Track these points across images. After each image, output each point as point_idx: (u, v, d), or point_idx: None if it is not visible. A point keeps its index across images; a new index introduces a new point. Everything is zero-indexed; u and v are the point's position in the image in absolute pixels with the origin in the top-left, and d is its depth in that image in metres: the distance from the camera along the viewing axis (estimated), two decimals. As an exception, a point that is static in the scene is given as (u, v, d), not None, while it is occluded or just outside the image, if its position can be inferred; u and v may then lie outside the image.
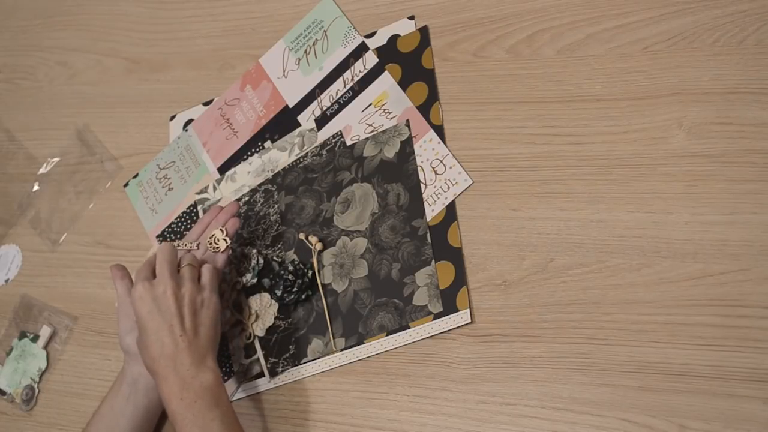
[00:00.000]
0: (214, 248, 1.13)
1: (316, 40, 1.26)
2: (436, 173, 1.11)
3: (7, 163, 1.45)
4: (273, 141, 1.24)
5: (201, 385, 1.01)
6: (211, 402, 1.01)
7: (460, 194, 1.09)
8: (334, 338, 1.11)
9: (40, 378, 1.29)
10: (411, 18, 1.20)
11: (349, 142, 1.18)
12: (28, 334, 1.31)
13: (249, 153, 1.26)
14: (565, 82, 1.08)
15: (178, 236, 1.26)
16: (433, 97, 1.15)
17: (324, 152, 1.20)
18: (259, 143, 1.25)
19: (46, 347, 1.30)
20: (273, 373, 1.13)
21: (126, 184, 1.35)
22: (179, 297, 1.06)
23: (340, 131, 1.20)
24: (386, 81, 1.19)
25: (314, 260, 1.14)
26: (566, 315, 1.00)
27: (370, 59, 1.21)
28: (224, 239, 1.13)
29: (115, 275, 1.17)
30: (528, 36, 1.12)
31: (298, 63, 1.26)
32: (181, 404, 1.01)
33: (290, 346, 1.13)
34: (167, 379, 1.02)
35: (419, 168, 1.12)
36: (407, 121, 1.15)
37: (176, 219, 1.28)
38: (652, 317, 0.96)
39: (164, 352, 1.03)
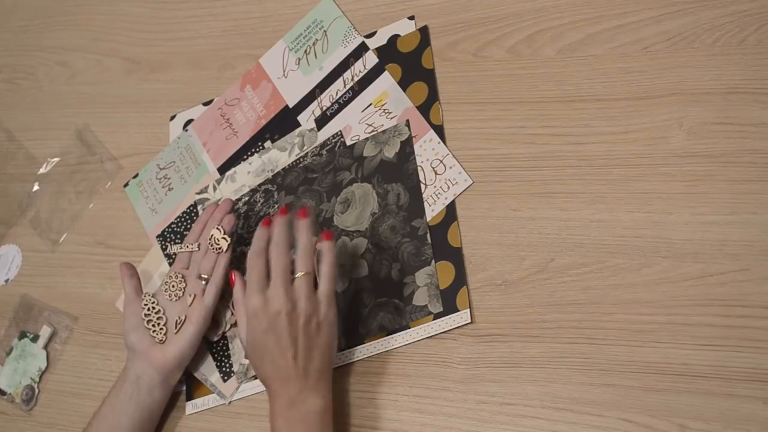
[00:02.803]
0: (216, 249, 1.13)
1: (316, 40, 1.26)
2: (436, 173, 1.11)
3: (7, 163, 1.45)
4: (273, 141, 1.24)
5: (308, 410, 1.00)
6: (315, 427, 0.99)
7: (460, 194, 1.09)
8: (334, 338, 1.11)
9: (40, 378, 1.29)
10: (411, 18, 1.20)
11: (349, 142, 1.18)
12: (28, 334, 1.31)
13: (249, 153, 1.26)
14: (565, 82, 1.08)
15: (178, 236, 1.26)
16: (433, 97, 1.15)
17: (324, 152, 1.20)
18: (259, 143, 1.25)
19: (46, 347, 1.30)
20: (273, 373, 1.13)
21: (126, 184, 1.35)
22: (294, 319, 1.00)
23: (340, 131, 1.20)
24: (386, 81, 1.19)
25: (314, 260, 1.14)
26: (566, 315, 1.00)
27: (370, 59, 1.21)
28: (224, 238, 1.13)
29: (124, 274, 1.17)
30: (528, 36, 1.12)
31: (298, 63, 1.26)
32: (285, 423, 0.99)
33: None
34: (278, 397, 1.00)
35: (419, 168, 1.12)
36: (407, 121, 1.15)
37: (176, 219, 1.28)
38: (652, 317, 0.96)
39: (278, 373, 1.01)
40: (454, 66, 1.15)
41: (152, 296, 1.15)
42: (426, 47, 1.17)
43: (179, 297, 1.14)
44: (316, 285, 1.04)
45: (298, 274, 1.03)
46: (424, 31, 1.19)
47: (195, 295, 1.13)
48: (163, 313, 1.13)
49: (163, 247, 1.26)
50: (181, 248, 1.16)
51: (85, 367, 1.27)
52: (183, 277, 1.15)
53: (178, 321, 1.13)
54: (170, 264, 1.25)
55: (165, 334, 1.12)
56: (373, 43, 1.22)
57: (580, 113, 1.06)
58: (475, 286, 1.05)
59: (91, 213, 1.37)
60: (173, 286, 1.14)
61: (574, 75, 1.08)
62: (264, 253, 1.05)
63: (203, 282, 1.13)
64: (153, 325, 1.13)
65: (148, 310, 1.14)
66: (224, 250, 1.13)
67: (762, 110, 0.98)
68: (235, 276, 1.08)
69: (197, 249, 1.15)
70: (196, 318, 1.12)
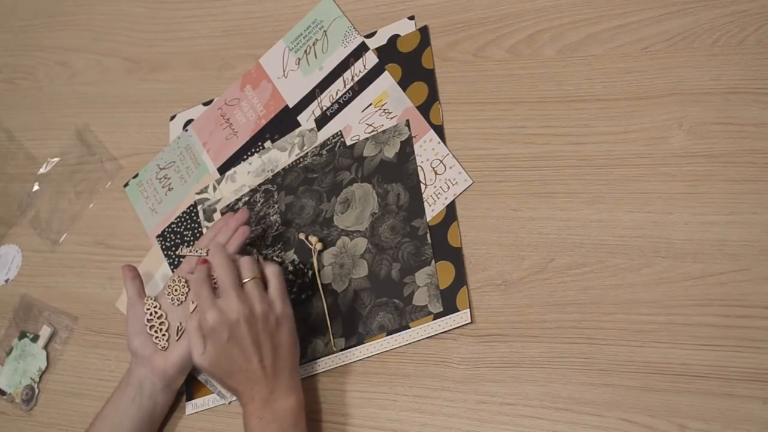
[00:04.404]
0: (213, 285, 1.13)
1: (316, 40, 1.26)
2: (436, 173, 1.11)
3: (7, 163, 1.45)
4: (273, 141, 1.24)
5: (281, 408, 1.01)
6: (289, 425, 1.00)
7: (460, 194, 1.09)
8: (334, 338, 1.11)
9: (40, 378, 1.29)
10: (411, 18, 1.20)
11: (349, 142, 1.18)
12: (28, 334, 1.31)
13: (249, 153, 1.26)
14: (565, 82, 1.08)
15: (178, 236, 1.26)
16: (433, 97, 1.15)
17: (324, 152, 1.20)
18: (259, 143, 1.25)
19: (46, 347, 1.30)
20: (273, 373, 1.13)
21: (126, 184, 1.35)
22: (253, 323, 1.01)
23: (340, 131, 1.20)
24: (386, 81, 1.19)
25: (314, 260, 1.14)
26: (566, 315, 1.00)
27: (370, 59, 1.21)
28: None
29: (126, 276, 1.17)
30: (528, 36, 1.12)
31: (298, 63, 1.26)
32: (260, 423, 1.00)
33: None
34: (250, 400, 1.01)
35: (419, 168, 1.12)
36: (407, 121, 1.15)
37: (176, 219, 1.28)
38: (652, 317, 0.96)
39: (247, 377, 1.02)
40: (454, 66, 1.15)
41: (155, 300, 1.14)
42: (426, 47, 1.17)
43: (182, 301, 1.14)
44: (266, 287, 1.05)
45: (246, 280, 1.04)
46: (424, 31, 1.19)
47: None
48: (166, 318, 1.13)
49: (174, 247, 1.26)
50: (190, 251, 1.16)
51: (85, 367, 1.27)
52: (186, 281, 1.14)
53: (179, 327, 1.12)
54: (170, 264, 1.25)
55: (167, 341, 1.12)
56: (373, 43, 1.22)
57: (580, 113, 1.06)
58: (475, 286, 1.05)
59: (91, 213, 1.37)
60: (176, 290, 1.14)
61: (574, 75, 1.08)
62: (207, 278, 1.06)
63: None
64: (155, 331, 1.13)
65: (151, 315, 1.13)
66: None
67: (762, 110, 0.98)
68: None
69: (206, 254, 1.15)
70: None
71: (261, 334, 1.02)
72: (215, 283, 1.06)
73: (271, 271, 1.06)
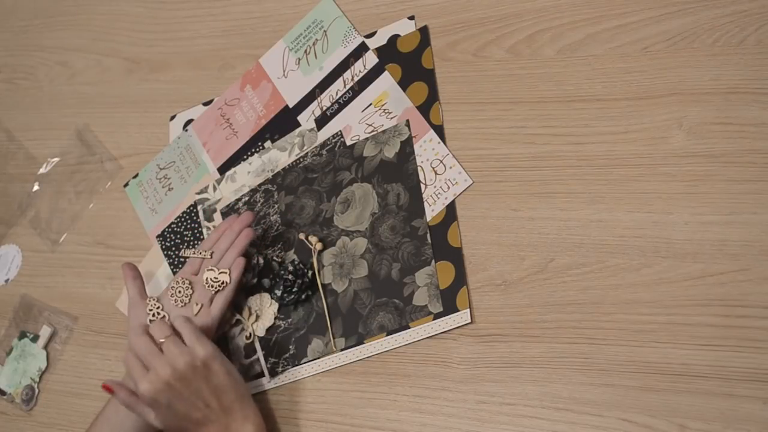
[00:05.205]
0: (216, 287, 1.13)
1: (316, 40, 1.26)
2: (436, 173, 1.11)
3: (7, 163, 1.45)
4: (273, 141, 1.24)
5: None
6: None
7: (460, 194, 1.09)
8: (334, 338, 1.11)
9: (40, 378, 1.29)
10: (411, 18, 1.20)
11: (349, 142, 1.18)
12: (28, 334, 1.31)
13: (249, 153, 1.26)
14: (565, 82, 1.08)
15: (178, 236, 1.26)
16: (433, 97, 1.15)
17: (324, 152, 1.20)
18: (259, 143, 1.25)
19: (46, 347, 1.30)
20: (273, 373, 1.13)
21: (126, 184, 1.35)
22: (183, 378, 1.03)
23: (340, 131, 1.20)
24: (386, 81, 1.19)
25: (314, 260, 1.14)
26: (566, 315, 1.00)
27: (370, 59, 1.21)
28: (222, 273, 1.13)
29: (127, 275, 1.17)
30: (528, 36, 1.12)
31: (298, 63, 1.26)
32: None
33: (290, 346, 1.13)
34: None
35: (419, 168, 1.12)
36: (407, 121, 1.15)
37: (176, 219, 1.28)
38: (652, 317, 0.96)
39: (199, 423, 1.04)
40: (454, 66, 1.15)
41: (157, 300, 1.14)
42: (426, 47, 1.17)
43: (185, 303, 1.13)
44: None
45: (161, 341, 1.06)
46: (424, 31, 1.19)
47: (202, 305, 1.13)
48: (168, 319, 1.13)
49: (174, 247, 1.26)
50: (194, 253, 1.15)
51: (85, 367, 1.27)
52: (191, 283, 1.14)
53: None
54: (170, 264, 1.25)
55: None
56: (373, 43, 1.22)
57: (580, 113, 1.06)
58: (475, 286, 1.05)
59: (91, 213, 1.37)
60: (180, 292, 1.14)
61: (574, 75, 1.08)
62: (130, 355, 1.07)
63: (212, 291, 1.13)
64: None
65: (153, 315, 1.13)
66: (228, 283, 1.13)
67: (762, 110, 0.98)
68: (110, 384, 1.08)
69: (209, 257, 1.15)
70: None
71: (195, 383, 1.03)
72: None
73: (178, 323, 1.08)
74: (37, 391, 1.29)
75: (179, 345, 1.05)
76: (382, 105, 1.18)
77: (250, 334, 1.16)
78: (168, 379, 1.03)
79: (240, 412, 1.04)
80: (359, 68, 1.21)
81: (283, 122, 1.25)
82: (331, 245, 1.15)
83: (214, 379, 1.04)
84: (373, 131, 1.17)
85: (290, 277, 1.13)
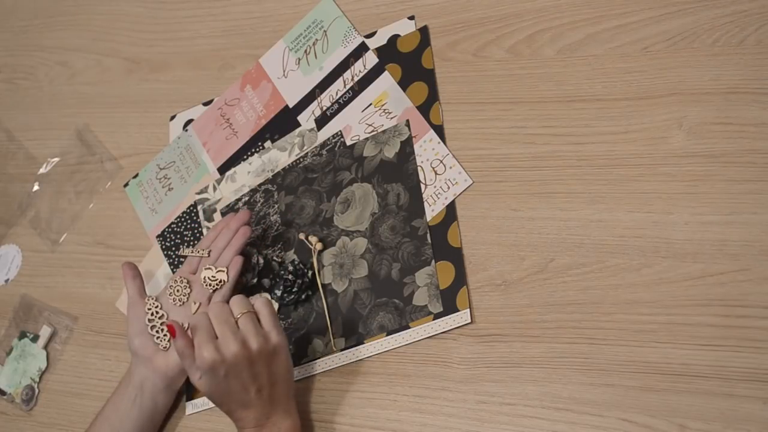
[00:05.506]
0: (214, 286, 1.13)
1: (316, 40, 1.26)
2: (436, 173, 1.11)
3: (7, 163, 1.45)
4: (273, 141, 1.24)
5: (278, 429, 1.02)
6: None
7: (460, 194, 1.09)
8: (334, 338, 1.11)
9: (40, 378, 1.29)
10: (411, 18, 1.20)
11: (349, 142, 1.18)
12: (28, 334, 1.31)
13: (249, 153, 1.26)
14: (565, 82, 1.08)
15: (178, 236, 1.26)
16: (433, 97, 1.15)
17: (324, 152, 1.20)
18: (259, 143, 1.25)
19: (46, 347, 1.30)
20: (273, 373, 1.13)
21: (126, 184, 1.35)
22: (250, 359, 1.00)
23: (340, 131, 1.20)
24: (386, 81, 1.19)
25: (314, 260, 1.14)
26: (566, 315, 1.00)
27: (370, 59, 1.21)
28: (220, 271, 1.13)
29: (126, 274, 1.17)
30: (528, 36, 1.12)
31: (298, 63, 1.26)
32: None
33: (290, 346, 1.13)
34: (246, 424, 1.02)
35: (419, 168, 1.12)
36: (407, 121, 1.15)
37: (176, 219, 1.28)
38: (652, 317, 0.96)
39: (243, 405, 1.02)
40: (454, 66, 1.15)
41: (156, 299, 1.14)
42: (426, 47, 1.17)
43: (183, 302, 1.14)
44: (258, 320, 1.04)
45: (238, 315, 1.03)
46: (424, 31, 1.19)
47: (200, 304, 1.13)
48: (167, 318, 1.13)
49: (174, 247, 1.26)
50: (192, 252, 1.16)
51: (85, 367, 1.27)
52: (188, 282, 1.14)
53: None
54: (170, 264, 1.25)
55: (168, 341, 1.12)
56: (373, 43, 1.22)
57: (580, 113, 1.06)
58: (475, 286, 1.05)
59: (91, 213, 1.37)
60: (178, 291, 1.14)
61: (574, 75, 1.08)
62: (204, 317, 1.03)
63: (210, 289, 1.13)
64: (157, 331, 1.13)
65: (152, 315, 1.13)
66: (225, 281, 1.13)
67: (762, 110, 0.98)
68: (176, 327, 1.04)
69: (207, 255, 1.15)
70: None
71: (258, 366, 1.01)
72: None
73: (260, 303, 1.05)
74: (37, 391, 1.29)
75: (256, 324, 1.03)
76: (382, 105, 1.18)
77: (250, 334, 1.15)
78: (236, 354, 1.00)
79: (283, 406, 1.03)
80: (359, 68, 1.21)
81: (283, 122, 1.25)
82: (331, 245, 1.15)
83: (276, 368, 1.03)
84: (373, 131, 1.17)
85: (290, 277, 1.13)
